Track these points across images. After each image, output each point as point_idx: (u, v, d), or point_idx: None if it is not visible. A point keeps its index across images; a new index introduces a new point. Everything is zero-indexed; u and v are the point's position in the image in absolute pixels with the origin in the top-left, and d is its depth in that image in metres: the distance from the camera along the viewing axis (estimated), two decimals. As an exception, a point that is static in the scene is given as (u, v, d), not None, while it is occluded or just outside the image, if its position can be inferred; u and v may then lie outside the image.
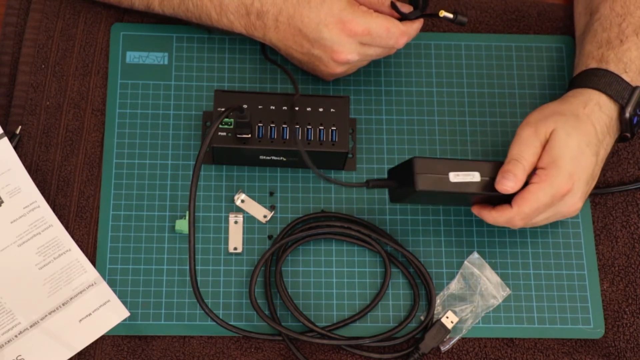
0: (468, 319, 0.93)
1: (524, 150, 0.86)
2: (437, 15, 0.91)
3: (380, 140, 1.00)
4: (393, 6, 0.93)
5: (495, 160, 0.88)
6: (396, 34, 0.92)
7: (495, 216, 0.88)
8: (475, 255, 0.96)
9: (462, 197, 0.89)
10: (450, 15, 0.91)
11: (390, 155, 0.99)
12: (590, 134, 0.88)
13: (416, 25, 0.94)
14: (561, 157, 0.86)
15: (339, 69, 0.95)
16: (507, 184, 0.85)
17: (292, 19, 0.91)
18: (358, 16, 0.90)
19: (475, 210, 0.91)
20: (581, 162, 0.87)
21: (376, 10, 0.93)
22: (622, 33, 0.92)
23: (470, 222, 0.97)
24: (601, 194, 0.99)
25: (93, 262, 0.93)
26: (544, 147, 0.87)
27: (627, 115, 0.90)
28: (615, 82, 0.90)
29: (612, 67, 0.91)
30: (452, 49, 1.04)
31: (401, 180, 0.89)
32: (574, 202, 0.89)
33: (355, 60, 0.93)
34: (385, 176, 0.97)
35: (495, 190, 0.87)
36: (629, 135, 0.92)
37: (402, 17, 0.93)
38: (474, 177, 0.88)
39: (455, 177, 0.87)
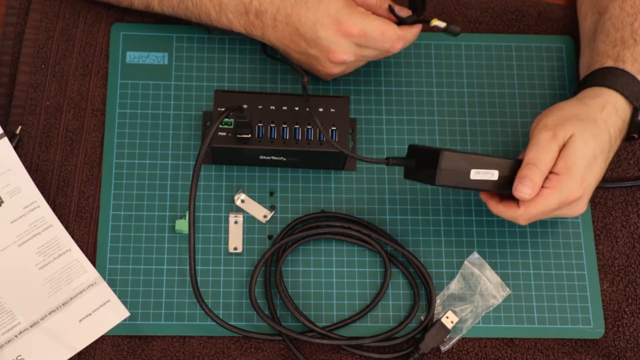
0: (468, 319, 0.93)
1: (541, 155, 0.86)
2: (428, 22, 0.91)
3: (381, 140, 1.00)
4: (390, 9, 0.93)
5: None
6: (392, 37, 0.92)
7: (502, 210, 0.89)
8: (475, 255, 0.96)
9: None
10: (442, 25, 0.91)
11: (391, 155, 0.99)
12: (604, 141, 0.88)
13: (414, 30, 0.94)
14: (576, 165, 0.86)
15: (335, 69, 0.95)
16: (524, 190, 0.85)
17: (290, 18, 0.91)
18: (355, 17, 0.90)
19: (483, 197, 0.91)
20: (593, 170, 0.87)
21: (374, 13, 0.93)
22: (635, 33, 0.92)
23: (470, 222, 0.97)
24: (600, 187, 0.98)
25: (93, 262, 0.93)
26: (561, 150, 0.87)
27: None
28: (632, 84, 0.90)
29: (629, 67, 0.91)
30: (452, 49, 1.04)
31: (422, 165, 0.88)
32: (580, 208, 0.90)
33: (351, 61, 0.94)
34: (403, 157, 0.95)
35: (510, 189, 0.87)
36: (636, 136, 0.92)
37: (399, 21, 0.94)
38: (493, 175, 0.87)
39: (475, 174, 0.87)
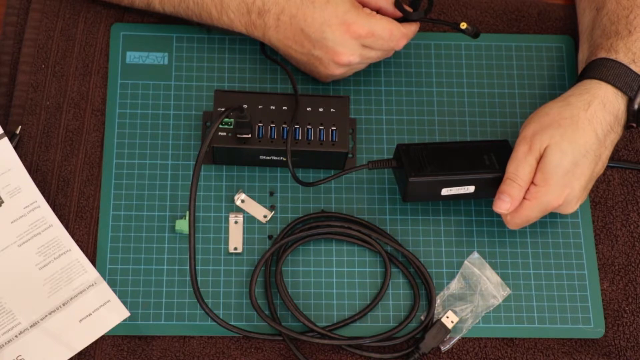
0: (468, 319, 0.93)
1: (519, 170, 0.89)
2: (458, 25, 0.92)
3: (381, 141, 1.00)
4: (397, 5, 0.93)
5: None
6: (398, 36, 0.93)
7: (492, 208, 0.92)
8: (475, 255, 0.96)
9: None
10: (470, 28, 0.92)
11: (391, 155, 0.99)
12: (588, 143, 0.88)
13: (414, 28, 0.95)
14: (553, 175, 0.88)
15: (337, 71, 0.95)
16: (502, 206, 0.89)
17: (295, 18, 0.91)
18: (362, 18, 0.91)
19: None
20: (576, 174, 0.88)
21: (379, 8, 0.93)
22: (630, 24, 0.92)
23: (470, 222, 0.97)
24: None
25: (93, 262, 0.93)
26: (539, 162, 0.89)
27: (636, 106, 0.90)
28: (624, 74, 0.90)
29: (621, 57, 0.91)
30: (452, 49, 1.04)
31: (399, 174, 0.93)
32: (567, 209, 0.91)
33: (355, 63, 0.94)
34: (384, 159, 0.97)
35: (489, 197, 0.92)
36: (634, 125, 0.92)
37: (404, 17, 0.94)
38: (468, 189, 0.92)
39: (447, 191, 0.92)
